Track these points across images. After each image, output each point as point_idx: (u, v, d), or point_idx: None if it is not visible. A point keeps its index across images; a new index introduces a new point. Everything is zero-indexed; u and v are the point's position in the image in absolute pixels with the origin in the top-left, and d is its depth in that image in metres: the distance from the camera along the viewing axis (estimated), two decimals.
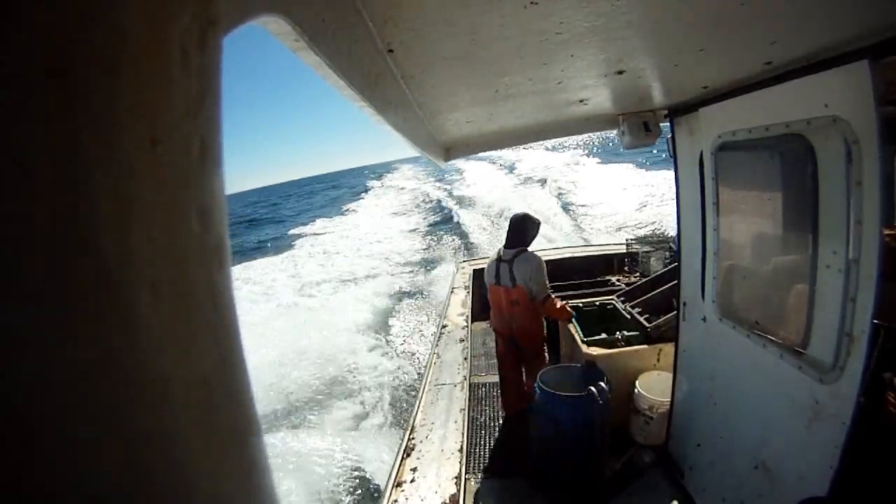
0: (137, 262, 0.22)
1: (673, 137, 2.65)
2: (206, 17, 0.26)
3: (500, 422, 3.91)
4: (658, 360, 3.25)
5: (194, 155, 0.25)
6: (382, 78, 1.06)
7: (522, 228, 3.47)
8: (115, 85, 0.21)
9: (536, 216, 3.60)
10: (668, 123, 2.64)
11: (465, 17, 0.89)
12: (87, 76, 0.20)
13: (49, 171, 0.19)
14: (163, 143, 0.23)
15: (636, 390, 3.07)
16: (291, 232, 27.96)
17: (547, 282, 3.45)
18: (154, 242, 0.23)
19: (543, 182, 25.51)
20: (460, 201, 24.99)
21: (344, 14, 0.74)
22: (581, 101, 2.07)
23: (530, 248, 3.48)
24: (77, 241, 0.20)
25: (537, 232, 3.55)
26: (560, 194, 21.93)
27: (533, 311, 3.48)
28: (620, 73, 1.54)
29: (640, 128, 2.59)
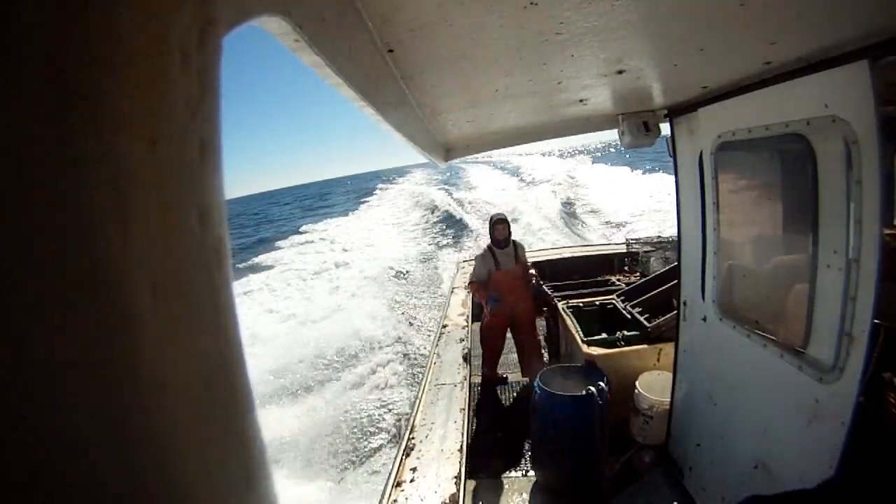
0: (137, 262, 0.22)
1: (672, 137, 2.65)
2: (205, 17, 0.26)
3: (501, 422, 3.91)
4: (658, 359, 3.25)
5: (194, 155, 0.25)
6: (382, 78, 1.06)
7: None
8: (115, 85, 0.21)
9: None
10: (667, 123, 2.64)
11: (465, 17, 0.89)
12: (87, 76, 0.20)
13: (49, 170, 0.19)
14: (162, 143, 0.23)
15: (636, 390, 3.07)
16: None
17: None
18: (154, 242, 0.23)
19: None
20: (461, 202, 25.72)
21: (344, 14, 0.74)
22: (581, 101, 2.07)
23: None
24: (77, 240, 0.20)
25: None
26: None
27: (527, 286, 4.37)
28: (620, 72, 1.54)
29: (639, 128, 2.59)
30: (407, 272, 13.86)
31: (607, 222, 17.22)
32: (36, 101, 0.19)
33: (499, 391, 4.47)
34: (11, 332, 0.18)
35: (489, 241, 4.41)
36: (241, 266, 19.25)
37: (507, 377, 4.69)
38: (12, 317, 0.18)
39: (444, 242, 17.79)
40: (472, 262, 4.67)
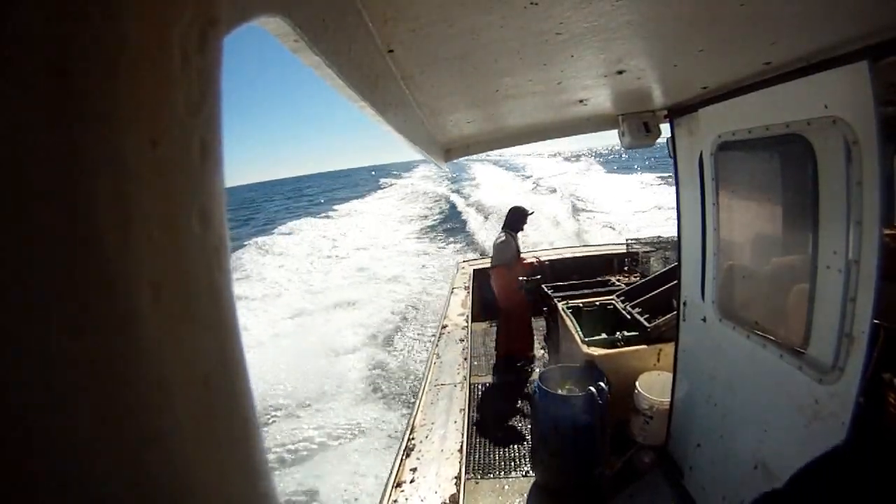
0: (138, 262, 0.22)
1: (673, 138, 2.65)
2: (206, 17, 0.26)
3: (501, 421, 3.92)
4: (658, 360, 3.25)
5: (194, 155, 0.25)
6: (382, 78, 1.06)
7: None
8: (115, 85, 0.21)
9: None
10: (667, 124, 2.65)
11: (465, 17, 0.89)
12: (87, 76, 0.20)
13: (49, 171, 0.19)
14: (163, 143, 0.23)
15: (636, 390, 3.07)
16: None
17: None
18: (154, 242, 0.23)
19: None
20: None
21: (344, 14, 0.74)
22: (581, 101, 2.07)
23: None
24: (77, 241, 0.20)
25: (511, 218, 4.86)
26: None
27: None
28: (620, 73, 1.54)
29: (639, 128, 2.59)
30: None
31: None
32: (36, 101, 0.19)
33: (496, 392, 4.47)
34: (12, 331, 0.18)
35: (508, 229, 4.74)
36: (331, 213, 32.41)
37: (534, 355, 5.03)
38: (13, 317, 0.18)
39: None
40: (471, 262, 4.80)
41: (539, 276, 4.72)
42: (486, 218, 19.78)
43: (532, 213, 4.84)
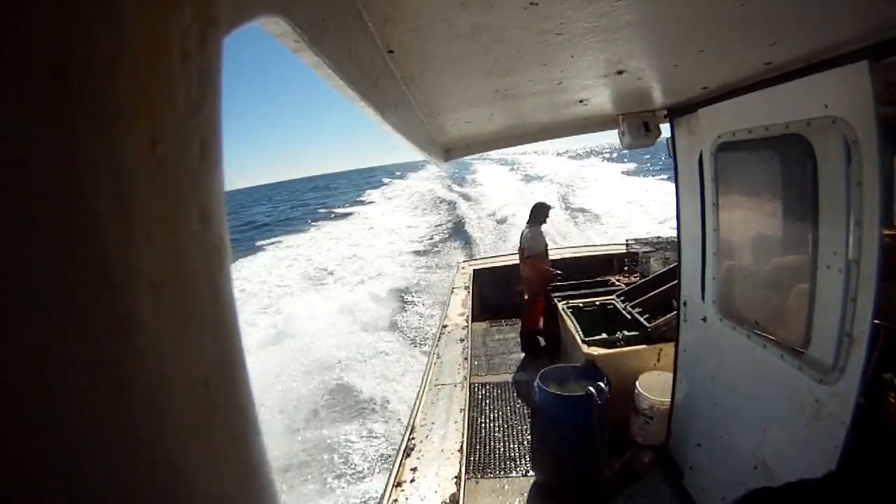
0: (138, 262, 0.22)
1: (673, 138, 2.65)
2: (206, 17, 0.26)
3: (500, 422, 3.92)
4: (658, 360, 3.25)
5: (194, 155, 0.25)
6: (382, 78, 1.06)
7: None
8: (115, 85, 0.21)
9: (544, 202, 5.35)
10: (668, 123, 2.64)
11: (465, 17, 0.89)
12: (87, 76, 0.20)
13: (49, 171, 0.19)
14: (163, 143, 0.23)
15: (636, 390, 3.07)
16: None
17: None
18: (154, 242, 0.23)
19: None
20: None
21: (344, 15, 0.74)
22: (581, 101, 2.07)
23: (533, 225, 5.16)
24: (77, 241, 0.20)
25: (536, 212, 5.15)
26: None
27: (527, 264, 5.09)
28: (620, 73, 1.54)
29: (639, 128, 2.59)
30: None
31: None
32: (37, 101, 0.19)
33: (499, 390, 4.47)
34: (14, 331, 0.18)
35: (535, 223, 5.06)
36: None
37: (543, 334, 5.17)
38: (14, 317, 0.18)
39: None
40: (471, 262, 4.82)
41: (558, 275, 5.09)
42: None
43: (553, 207, 5.20)
